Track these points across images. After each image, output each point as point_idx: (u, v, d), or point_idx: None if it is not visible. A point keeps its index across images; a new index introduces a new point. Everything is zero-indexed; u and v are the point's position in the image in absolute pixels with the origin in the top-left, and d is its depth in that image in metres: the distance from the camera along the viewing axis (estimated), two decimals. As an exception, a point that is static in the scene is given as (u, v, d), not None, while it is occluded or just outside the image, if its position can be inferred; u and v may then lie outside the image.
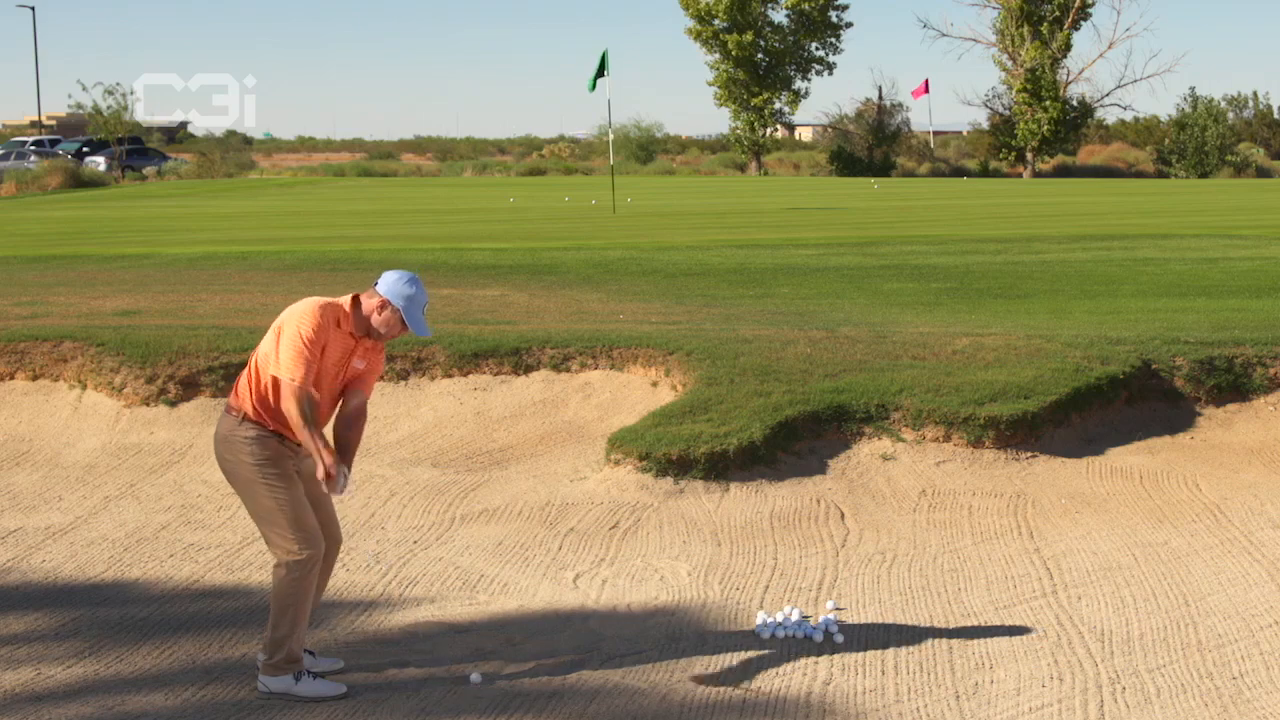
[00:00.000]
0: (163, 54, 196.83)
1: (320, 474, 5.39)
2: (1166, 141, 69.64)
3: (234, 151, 69.17)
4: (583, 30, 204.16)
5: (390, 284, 5.44)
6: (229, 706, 5.39)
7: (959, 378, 9.69)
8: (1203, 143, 65.42)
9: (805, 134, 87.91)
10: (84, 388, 10.23)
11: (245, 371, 5.51)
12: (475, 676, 5.61)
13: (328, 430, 5.55)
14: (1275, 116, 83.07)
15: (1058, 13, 66.62)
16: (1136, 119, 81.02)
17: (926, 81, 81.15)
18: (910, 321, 12.25)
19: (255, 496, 5.42)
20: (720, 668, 5.77)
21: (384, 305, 5.43)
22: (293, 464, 5.49)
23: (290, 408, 5.30)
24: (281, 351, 5.32)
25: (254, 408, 5.41)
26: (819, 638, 6.05)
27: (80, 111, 56.35)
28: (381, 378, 10.36)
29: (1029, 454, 9.00)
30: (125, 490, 8.60)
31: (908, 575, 6.98)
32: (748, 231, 24.21)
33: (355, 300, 5.48)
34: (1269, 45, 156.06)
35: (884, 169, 65.29)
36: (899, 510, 8.10)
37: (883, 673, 5.73)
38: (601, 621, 6.31)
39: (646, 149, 72.38)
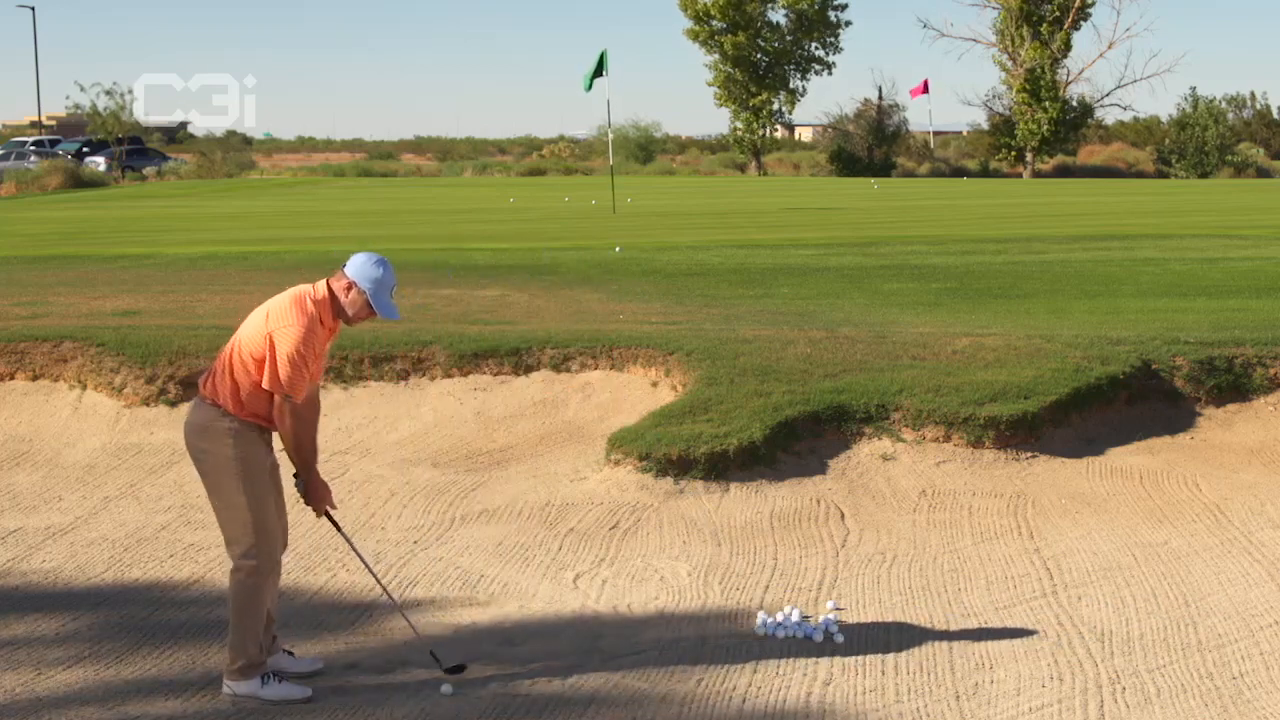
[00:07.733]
0: (163, 54, 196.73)
1: (309, 499, 5.46)
2: (1166, 141, 69.54)
3: (234, 151, 69.07)
4: (583, 30, 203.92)
5: (358, 266, 5.37)
6: (228, 707, 5.40)
7: (959, 378, 9.69)
8: (1203, 143, 65.35)
9: (805, 134, 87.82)
10: (84, 388, 10.23)
11: (223, 361, 5.37)
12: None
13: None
14: (1275, 116, 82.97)
15: (1058, 13, 66.55)
16: (1136, 119, 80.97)
17: (926, 81, 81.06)
18: (910, 321, 12.25)
19: (224, 490, 5.35)
20: (720, 668, 5.77)
21: (350, 287, 5.36)
22: (268, 459, 5.45)
23: (292, 427, 5.28)
24: (280, 367, 5.22)
25: (234, 401, 5.31)
26: (819, 638, 6.05)
27: (79, 112, 56.36)
28: (381, 377, 10.38)
29: (1029, 454, 9.00)
30: (125, 490, 8.60)
31: (908, 575, 6.98)
32: (747, 231, 24.21)
33: (330, 291, 5.39)
34: (1269, 45, 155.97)
35: (884, 169, 65.22)
36: (899, 510, 8.10)
37: (883, 673, 5.73)
38: (601, 622, 6.31)
39: (646, 149, 72.29)
